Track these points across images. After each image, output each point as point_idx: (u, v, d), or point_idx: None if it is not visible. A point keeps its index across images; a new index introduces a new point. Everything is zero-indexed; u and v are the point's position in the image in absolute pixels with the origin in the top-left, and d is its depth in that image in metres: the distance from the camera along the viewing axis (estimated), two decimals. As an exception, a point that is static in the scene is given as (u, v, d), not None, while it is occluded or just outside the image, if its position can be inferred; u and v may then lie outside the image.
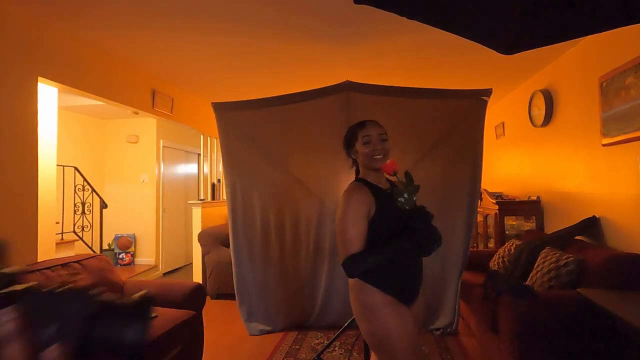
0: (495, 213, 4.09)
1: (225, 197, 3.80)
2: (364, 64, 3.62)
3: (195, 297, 2.72)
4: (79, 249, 4.57)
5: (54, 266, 2.50)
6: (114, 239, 5.76)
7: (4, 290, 0.70)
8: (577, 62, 3.19)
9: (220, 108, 3.38)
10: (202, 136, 5.25)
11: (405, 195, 1.44)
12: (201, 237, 4.53)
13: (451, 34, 1.38)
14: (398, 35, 2.99)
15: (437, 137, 3.21)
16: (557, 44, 1.51)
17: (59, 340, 0.64)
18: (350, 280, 1.54)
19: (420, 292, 1.60)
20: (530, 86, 4.08)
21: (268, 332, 3.35)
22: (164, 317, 2.41)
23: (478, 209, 3.57)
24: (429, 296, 3.20)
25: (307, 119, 3.28)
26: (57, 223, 4.14)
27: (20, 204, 2.55)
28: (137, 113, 4.10)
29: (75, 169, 4.99)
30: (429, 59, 3.54)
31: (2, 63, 2.43)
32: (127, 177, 5.94)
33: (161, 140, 5.98)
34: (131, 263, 5.73)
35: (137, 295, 0.72)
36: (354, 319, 2.25)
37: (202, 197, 5.20)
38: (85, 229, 5.00)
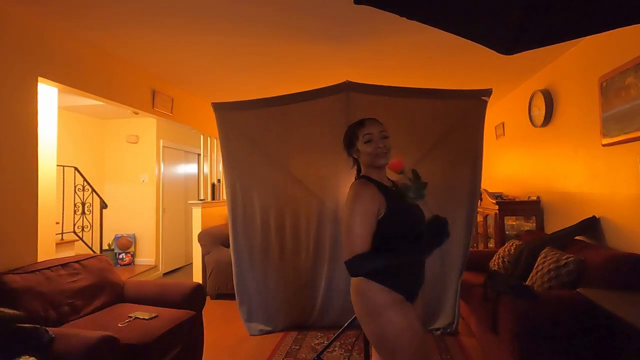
0: (495, 213, 4.09)
1: (225, 197, 3.80)
2: (364, 64, 3.62)
3: (195, 297, 2.72)
4: (79, 249, 4.56)
5: (54, 266, 2.50)
6: (114, 239, 5.76)
7: None
8: (577, 62, 3.19)
9: (220, 108, 3.38)
10: (202, 136, 5.25)
11: (414, 192, 1.49)
12: (201, 237, 4.53)
13: (451, 34, 1.39)
14: (398, 35, 2.99)
15: (437, 137, 3.22)
16: (557, 44, 1.51)
17: None
18: (354, 280, 1.52)
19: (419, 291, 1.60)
20: (530, 86, 4.08)
21: (268, 332, 3.35)
22: (164, 317, 2.41)
23: (478, 209, 3.57)
24: (429, 296, 3.21)
25: (307, 119, 3.28)
26: (57, 223, 4.14)
27: (20, 204, 2.55)
28: (137, 113, 4.10)
29: (75, 169, 4.98)
30: (429, 59, 3.54)
31: (2, 63, 2.43)
32: (127, 177, 5.94)
33: (161, 140, 5.98)
34: (131, 263, 5.73)
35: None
36: (354, 318, 2.25)
37: (202, 197, 5.20)
38: (85, 229, 4.99)
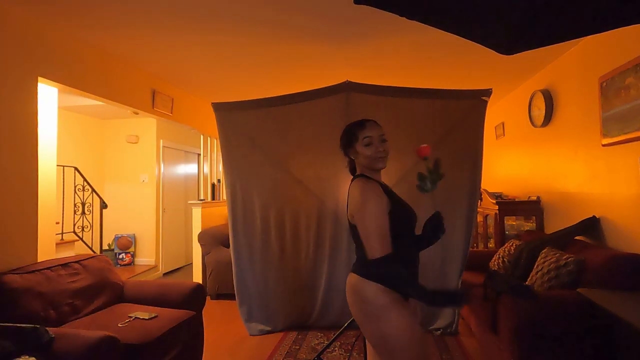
0: (495, 213, 4.08)
1: (225, 197, 3.80)
2: (364, 63, 3.62)
3: (195, 297, 2.72)
4: (79, 249, 4.56)
5: (54, 266, 2.50)
6: (114, 239, 5.76)
7: None
8: (577, 62, 3.19)
9: (220, 108, 3.38)
10: (202, 136, 5.25)
11: (430, 181, 1.55)
12: (201, 237, 4.53)
13: (451, 34, 1.39)
14: (398, 35, 2.99)
15: (437, 137, 3.21)
16: (557, 44, 1.51)
17: None
18: (351, 280, 1.51)
19: None
20: (530, 86, 4.08)
21: (268, 332, 3.35)
22: (164, 317, 2.41)
23: (478, 209, 3.57)
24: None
25: (307, 119, 3.28)
26: (57, 223, 4.14)
27: (20, 204, 2.55)
28: (137, 113, 4.10)
29: (75, 169, 4.98)
30: (429, 59, 3.54)
31: (2, 63, 2.43)
32: (127, 177, 5.94)
33: (161, 140, 5.98)
34: (131, 263, 5.73)
35: None
36: (354, 319, 2.24)
37: (202, 197, 5.20)
38: (85, 229, 4.99)
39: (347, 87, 3.12)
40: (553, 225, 3.59)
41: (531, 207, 3.93)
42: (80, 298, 2.50)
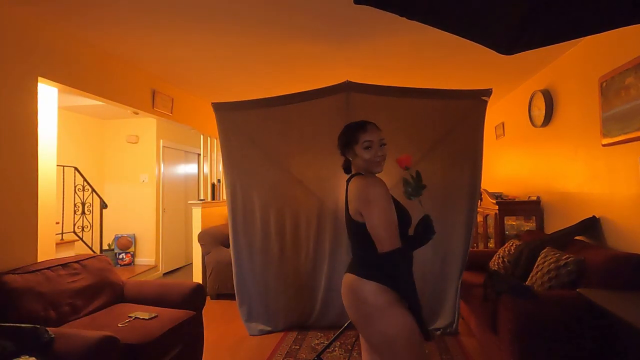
0: (495, 213, 4.08)
1: (225, 197, 3.80)
2: (364, 63, 3.62)
3: (195, 297, 2.72)
4: (79, 249, 4.56)
5: (54, 266, 2.50)
6: (114, 239, 5.76)
7: None
8: (577, 62, 3.19)
9: (220, 108, 3.38)
10: (202, 136, 5.25)
11: (413, 189, 1.58)
12: (201, 237, 4.53)
13: (451, 34, 1.39)
14: (398, 36, 2.99)
15: (437, 137, 3.22)
16: (557, 44, 1.51)
17: None
18: (349, 280, 1.51)
19: None
20: (530, 86, 4.08)
21: (268, 332, 3.35)
22: (164, 317, 2.41)
23: (478, 209, 3.57)
24: (429, 296, 3.21)
25: (307, 119, 3.28)
26: (57, 223, 4.14)
27: (20, 204, 2.54)
28: (137, 113, 4.10)
29: (75, 169, 4.98)
30: (429, 59, 3.54)
31: (2, 63, 2.43)
32: (127, 177, 5.94)
33: (161, 140, 5.98)
34: (131, 263, 5.73)
35: None
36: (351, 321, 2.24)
37: (202, 197, 5.20)
38: (85, 229, 4.99)
39: (347, 87, 3.12)
40: (553, 225, 3.59)
41: (531, 207, 3.93)
42: (80, 298, 2.50)
